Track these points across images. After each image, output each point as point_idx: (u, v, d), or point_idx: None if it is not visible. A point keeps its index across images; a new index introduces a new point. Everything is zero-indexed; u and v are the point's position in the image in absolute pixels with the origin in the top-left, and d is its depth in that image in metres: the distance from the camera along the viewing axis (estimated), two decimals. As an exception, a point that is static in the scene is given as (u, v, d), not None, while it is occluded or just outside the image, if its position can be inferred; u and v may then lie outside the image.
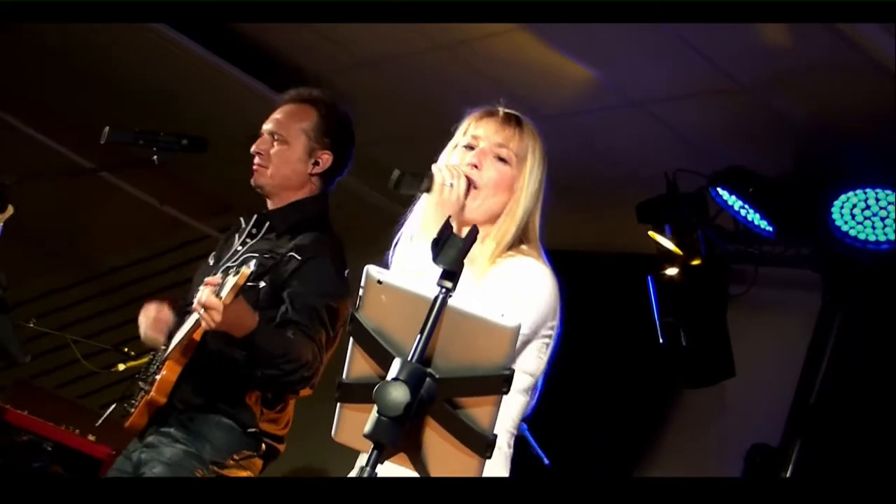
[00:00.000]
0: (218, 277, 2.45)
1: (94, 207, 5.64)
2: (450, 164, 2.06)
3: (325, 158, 2.85)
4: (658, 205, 4.27)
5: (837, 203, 3.85)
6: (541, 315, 1.98)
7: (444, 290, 1.62)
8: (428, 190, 2.00)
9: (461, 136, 2.12)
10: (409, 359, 1.58)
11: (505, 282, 1.97)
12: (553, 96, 4.06)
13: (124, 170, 5.42)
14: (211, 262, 2.85)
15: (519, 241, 2.06)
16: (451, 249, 1.64)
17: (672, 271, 4.30)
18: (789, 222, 4.05)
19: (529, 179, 2.07)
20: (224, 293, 2.37)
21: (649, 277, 4.25)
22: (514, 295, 1.94)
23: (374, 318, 1.66)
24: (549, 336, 2.00)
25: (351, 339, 1.70)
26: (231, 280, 2.37)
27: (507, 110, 2.11)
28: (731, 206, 4.17)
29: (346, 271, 2.71)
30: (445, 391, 1.59)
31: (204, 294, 2.39)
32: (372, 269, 1.69)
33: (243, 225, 2.87)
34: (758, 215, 4.11)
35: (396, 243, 2.09)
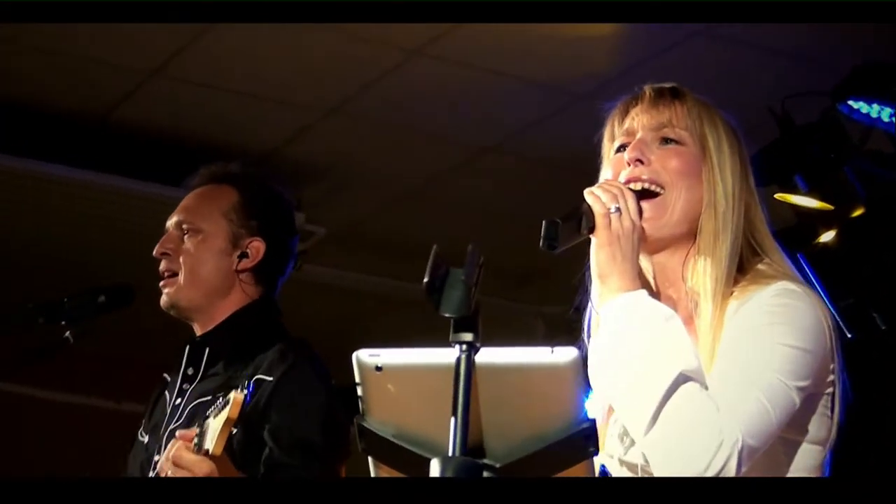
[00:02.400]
0: (190, 431, 2.45)
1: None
2: (603, 182, 2.10)
3: (256, 247, 2.91)
4: (775, 153, 4.33)
5: None
6: (818, 359, 1.99)
7: (464, 348, 1.68)
8: (591, 230, 2.03)
9: (608, 144, 2.18)
10: (449, 454, 1.63)
11: (753, 326, 1.97)
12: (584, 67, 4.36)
13: (33, 369, 5.38)
14: (144, 438, 2.86)
15: (752, 253, 2.09)
16: (452, 290, 1.70)
17: (828, 236, 4.35)
18: None
19: (722, 157, 2.10)
20: (210, 443, 2.35)
21: (800, 256, 4.19)
22: (772, 342, 1.95)
23: (388, 419, 1.72)
24: (833, 385, 2.03)
25: (369, 459, 1.76)
26: (215, 422, 2.35)
27: (656, 85, 2.17)
28: (879, 119, 4.21)
29: (332, 381, 2.76)
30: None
31: (173, 450, 2.41)
32: (364, 355, 1.76)
33: (169, 381, 2.90)
34: None
35: (588, 324, 2.13)
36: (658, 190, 2.09)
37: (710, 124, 2.13)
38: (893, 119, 4.22)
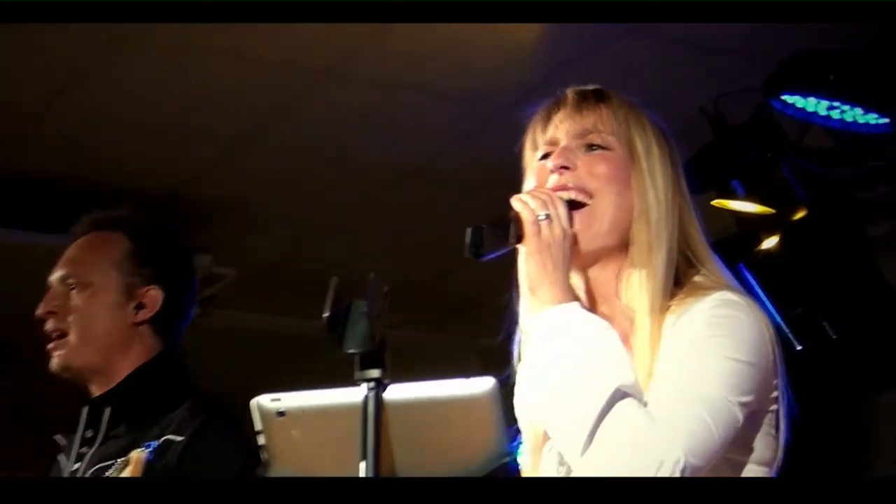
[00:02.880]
0: None
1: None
2: (532, 189, 2.10)
3: (153, 297, 2.88)
4: (709, 157, 4.36)
5: None
6: (761, 372, 1.99)
7: (371, 385, 1.69)
8: (520, 239, 2.03)
9: (530, 153, 2.18)
10: (362, 500, 1.65)
11: (693, 339, 1.98)
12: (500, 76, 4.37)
13: None
14: None
15: (687, 264, 2.09)
16: (355, 324, 1.71)
17: (770, 242, 4.38)
18: None
19: (652, 162, 2.12)
20: None
21: (741, 266, 4.30)
22: (713, 355, 1.95)
23: (295, 468, 1.71)
24: (777, 402, 2.03)
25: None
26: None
27: (578, 88, 2.18)
28: (815, 113, 4.23)
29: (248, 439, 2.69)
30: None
31: None
32: (264, 401, 1.76)
33: (64, 442, 2.84)
34: (859, 110, 4.22)
35: (517, 346, 2.13)
36: (586, 200, 2.09)
37: (638, 127, 2.14)
38: (830, 112, 4.23)
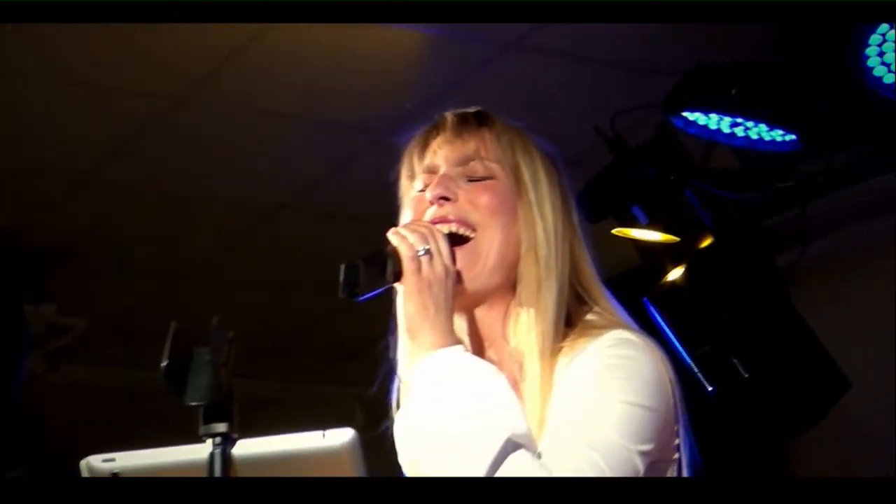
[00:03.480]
0: None
1: None
2: (410, 222, 2.11)
3: None
4: (608, 181, 4.38)
5: (872, 49, 4.00)
6: (661, 417, 2.01)
7: (217, 441, 1.67)
8: (398, 277, 2.03)
9: (406, 183, 2.19)
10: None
11: (588, 383, 1.99)
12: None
13: None
14: None
15: (578, 301, 2.11)
16: (198, 374, 1.69)
17: (675, 273, 4.39)
18: (814, 113, 4.21)
19: (540, 191, 2.13)
20: None
21: (645, 301, 4.33)
22: (610, 400, 1.96)
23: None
24: (679, 450, 2.05)
25: None
26: None
27: (458, 111, 2.20)
28: (719, 131, 4.27)
29: None
30: None
31: None
32: (95, 461, 1.74)
33: None
34: (763, 126, 4.26)
35: (396, 394, 2.13)
36: (468, 233, 2.10)
37: (524, 153, 2.15)
38: (734, 129, 4.27)
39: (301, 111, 4.49)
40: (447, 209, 2.11)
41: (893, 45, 3.96)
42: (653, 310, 4.32)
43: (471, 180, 2.13)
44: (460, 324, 2.12)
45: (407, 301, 2.01)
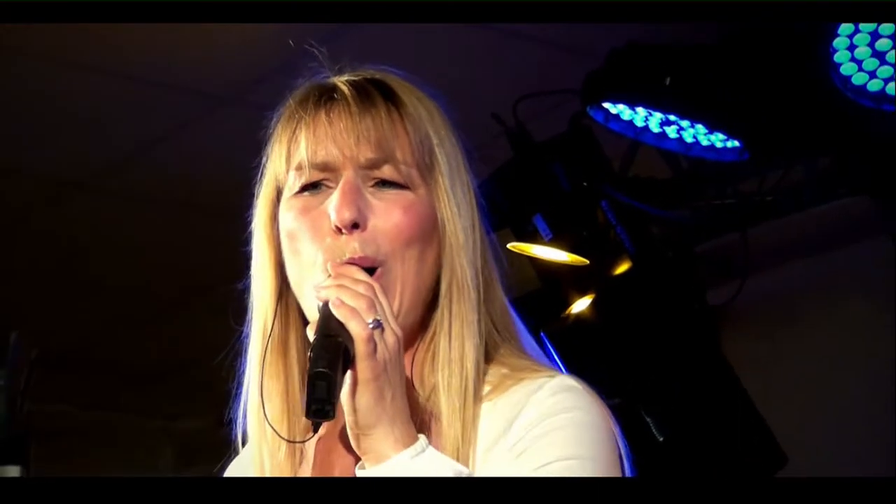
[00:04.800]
0: None
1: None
2: (341, 277, 2.03)
3: None
4: (505, 183, 4.37)
5: (841, 41, 4.06)
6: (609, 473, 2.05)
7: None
8: (347, 367, 1.96)
9: (279, 166, 2.13)
10: None
11: (531, 442, 2.01)
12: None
13: None
14: None
15: (491, 330, 2.12)
16: None
17: (581, 305, 4.40)
18: (765, 115, 4.21)
19: (456, 196, 2.11)
20: None
21: (542, 336, 4.28)
22: (560, 460, 1.98)
23: None
24: None
25: None
26: None
27: (354, 78, 2.13)
28: (647, 129, 4.27)
29: None
30: None
31: None
32: None
33: None
34: (702, 127, 4.29)
35: None
36: (376, 266, 2.06)
37: (441, 145, 2.12)
38: (665, 129, 4.26)
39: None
40: (359, 242, 2.05)
41: (868, 36, 4.00)
42: (550, 348, 4.29)
43: (379, 189, 2.08)
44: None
45: (360, 393, 1.96)
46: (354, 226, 2.05)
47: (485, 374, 2.08)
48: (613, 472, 2.02)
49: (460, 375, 2.06)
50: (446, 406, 2.06)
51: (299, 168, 2.10)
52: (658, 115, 4.23)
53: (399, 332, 1.99)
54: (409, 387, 2.08)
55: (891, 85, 4.02)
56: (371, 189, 2.08)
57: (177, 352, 5.82)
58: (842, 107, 4.05)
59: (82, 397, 6.13)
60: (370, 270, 2.05)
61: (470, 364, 2.07)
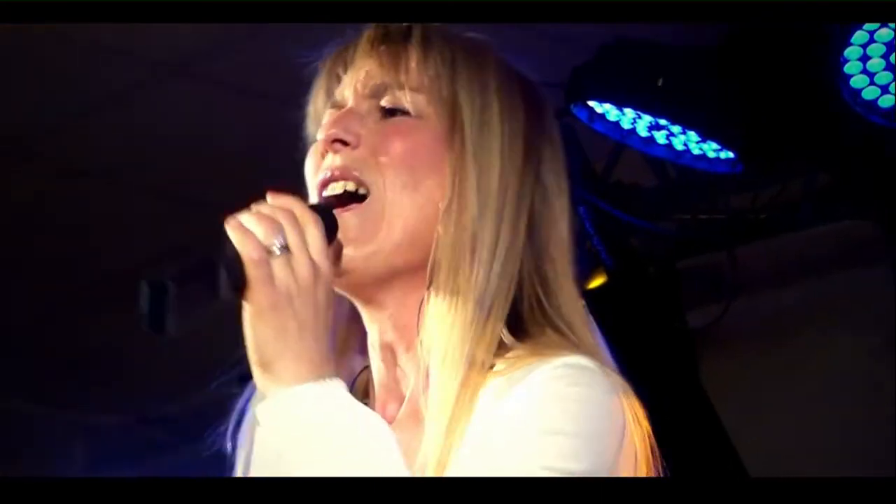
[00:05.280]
0: None
1: None
2: (260, 205, 2.03)
3: None
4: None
5: (854, 51, 4.03)
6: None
7: None
8: (241, 290, 1.95)
9: (313, 127, 2.17)
10: None
11: (520, 436, 1.94)
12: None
13: None
14: None
15: (538, 305, 2.07)
16: None
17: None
18: (763, 125, 4.19)
19: (483, 133, 2.09)
20: None
21: None
22: (545, 466, 1.91)
23: None
24: None
25: None
26: None
27: (384, 25, 2.16)
28: (633, 132, 4.24)
29: None
30: None
31: None
32: None
33: None
34: (694, 135, 4.28)
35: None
36: (364, 191, 2.06)
37: (469, 80, 2.11)
38: (654, 133, 4.25)
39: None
40: (343, 158, 2.07)
41: (883, 47, 3.97)
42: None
43: (385, 118, 2.10)
44: (370, 319, 2.10)
45: (256, 323, 1.95)
46: (342, 143, 2.07)
47: (509, 347, 2.02)
48: (602, 461, 1.94)
49: (448, 339, 2.02)
50: (434, 373, 2.02)
51: (318, 118, 2.16)
52: (647, 119, 4.21)
53: (322, 263, 1.97)
54: (415, 340, 2.06)
55: (907, 100, 3.98)
56: (376, 118, 2.10)
57: (95, 340, 5.80)
58: (849, 122, 4.01)
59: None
60: (357, 196, 2.05)
61: (467, 323, 2.01)
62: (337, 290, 2.04)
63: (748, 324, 4.77)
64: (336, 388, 1.95)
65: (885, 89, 3.99)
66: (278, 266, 1.95)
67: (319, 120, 2.16)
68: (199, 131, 4.89)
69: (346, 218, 2.03)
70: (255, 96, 4.70)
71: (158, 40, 4.58)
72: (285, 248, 1.96)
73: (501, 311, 2.03)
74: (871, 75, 3.98)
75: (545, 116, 2.16)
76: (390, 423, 2.01)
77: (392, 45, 2.13)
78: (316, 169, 2.10)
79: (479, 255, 2.04)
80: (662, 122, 4.22)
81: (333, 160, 2.07)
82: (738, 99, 4.18)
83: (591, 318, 2.09)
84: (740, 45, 4.20)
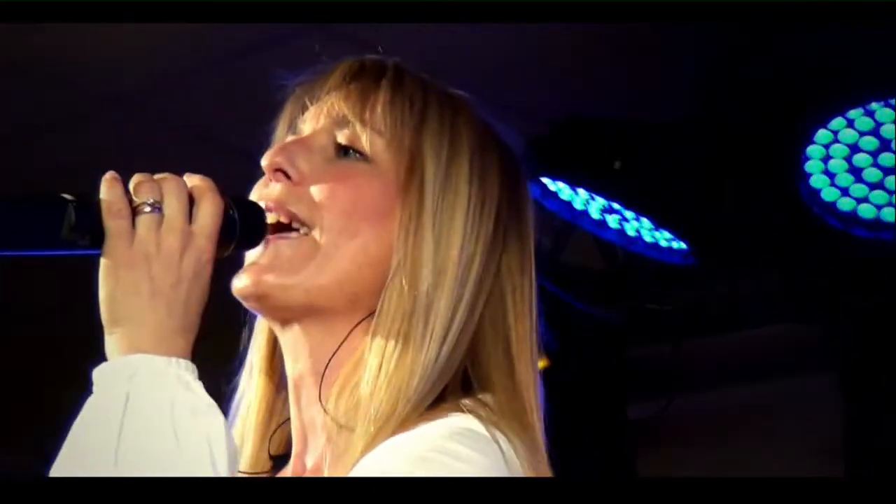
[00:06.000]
0: None
1: None
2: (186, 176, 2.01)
3: None
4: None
5: (816, 150, 4.05)
6: None
7: None
8: (96, 240, 1.92)
9: (275, 138, 2.16)
10: None
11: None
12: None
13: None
14: None
15: (476, 373, 1.99)
16: None
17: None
18: (721, 219, 4.19)
19: (446, 195, 2.03)
20: None
21: None
22: None
23: None
24: None
25: None
26: None
27: (362, 58, 2.14)
28: (585, 214, 4.22)
29: None
30: None
31: None
32: None
33: None
34: (647, 222, 4.32)
35: None
36: (297, 226, 2.03)
37: (440, 135, 2.06)
38: (607, 217, 4.25)
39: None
40: (281, 191, 2.03)
41: (846, 149, 4.01)
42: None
43: (339, 157, 2.06)
44: (289, 342, 2.06)
45: (107, 278, 1.91)
46: (284, 174, 2.04)
47: (421, 414, 1.94)
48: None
49: (385, 403, 1.94)
50: (342, 432, 1.96)
51: (278, 141, 2.15)
52: (601, 201, 4.21)
53: (200, 241, 1.93)
54: (325, 383, 2.01)
55: (864, 207, 3.98)
56: (328, 155, 2.06)
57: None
58: (807, 222, 4.03)
59: None
60: (289, 227, 2.02)
61: (399, 393, 1.94)
62: (246, 305, 2.03)
63: (688, 419, 4.79)
64: (177, 367, 1.90)
65: (844, 192, 3.98)
66: (142, 224, 1.91)
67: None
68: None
69: (279, 245, 2.00)
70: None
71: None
72: (157, 209, 1.92)
73: (439, 388, 1.96)
74: (831, 176, 3.98)
75: (520, 188, 2.12)
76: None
77: (364, 82, 2.08)
78: (258, 193, 2.05)
79: (433, 328, 1.98)
80: (615, 206, 4.21)
81: (272, 190, 2.03)
82: (696, 189, 4.17)
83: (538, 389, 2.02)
84: (702, 131, 4.19)
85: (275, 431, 2.12)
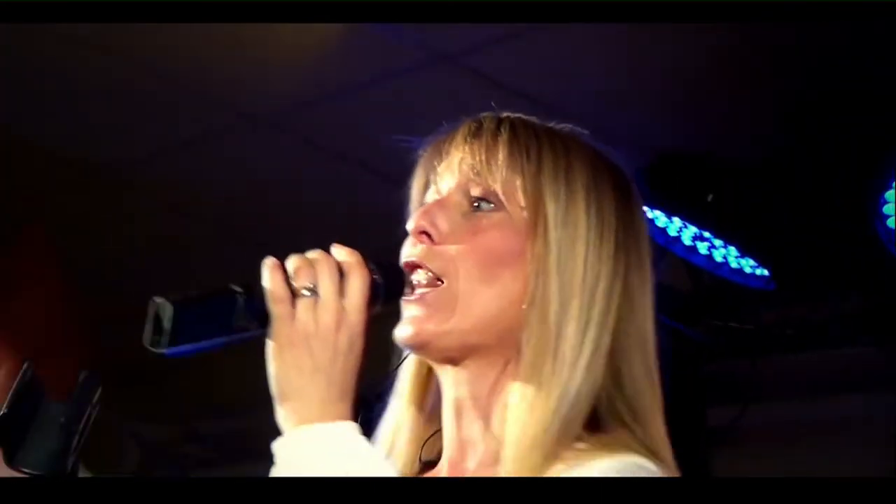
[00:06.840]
0: None
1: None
2: (334, 250, 2.07)
3: None
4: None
5: (893, 194, 4.12)
6: None
7: None
8: (263, 323, 2.00)
9: (412, 196, 2.20)
10: None
11: None
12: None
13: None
14: None
15: (617, 404, 2.05)
16: (44, 434, 1.72)
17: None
18: (800, 251, 4.27)
19: (568, 233, 2.08)
20: None
21: None
22: None
23: None
24: None
25: None
26: None
27: (481, 116, 2.17)
28: (678, 240, 4.31)
29: None
30: None
31: None
32: None
33: None
34: (734, 250, 4.37)
35: None
36: (440, 281, 2.09)
37: (556, 175, 2.11)
38: (697, 244, 4.33)
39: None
40: (424, 250, 2.11)
41: None
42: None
43: (475, 207, 2.12)
44: (449, 382, 2.13)
45: (275, 358, 1.99)
46: (426, 235, 2.10)
47: (579, 437, 2.02)
48: None
49: (528, 423, 2.02)
50: (505, 456, 2.02)
51: (415, 199, 2.21)
52: (692, 229, 4.25)
53: (352, 315, 2.00)
54: (487, 414, 2.09)
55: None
56: (465, 209, 2.12)
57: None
58: (882, 258, 4.06)
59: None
60: (434, 281, 2.09)
61: (546, 412, 2.01)
62: (412, 351, 2.12)
63: (761, 428, 4.84)
64: (342, 431, 1.97)
65: (917, 233, 3.95)
66: (302, 307, 1.98)
67: (416, 204, 2.18)
68: (274, 181, 4.96)
69: (427, 297, 2.07)
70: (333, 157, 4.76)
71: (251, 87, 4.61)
72: (314, 293, 1.99)
73: (584, 408, 2.02)
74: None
75: (633, 206, 2.14)
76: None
77: (482, 138, 2.12)
78: (406, 251, 2.11)
79: (563, 354, 2.03)
80: (706, 234, 4.27)
81: (416, 248, 2.10)
82: (779, 221, 4.22)
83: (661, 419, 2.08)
84: (786, 168, 4.23)
85: (425, 442, 2.18)
